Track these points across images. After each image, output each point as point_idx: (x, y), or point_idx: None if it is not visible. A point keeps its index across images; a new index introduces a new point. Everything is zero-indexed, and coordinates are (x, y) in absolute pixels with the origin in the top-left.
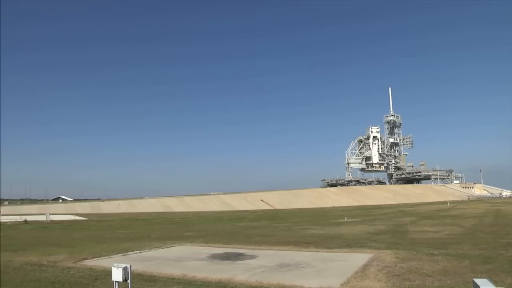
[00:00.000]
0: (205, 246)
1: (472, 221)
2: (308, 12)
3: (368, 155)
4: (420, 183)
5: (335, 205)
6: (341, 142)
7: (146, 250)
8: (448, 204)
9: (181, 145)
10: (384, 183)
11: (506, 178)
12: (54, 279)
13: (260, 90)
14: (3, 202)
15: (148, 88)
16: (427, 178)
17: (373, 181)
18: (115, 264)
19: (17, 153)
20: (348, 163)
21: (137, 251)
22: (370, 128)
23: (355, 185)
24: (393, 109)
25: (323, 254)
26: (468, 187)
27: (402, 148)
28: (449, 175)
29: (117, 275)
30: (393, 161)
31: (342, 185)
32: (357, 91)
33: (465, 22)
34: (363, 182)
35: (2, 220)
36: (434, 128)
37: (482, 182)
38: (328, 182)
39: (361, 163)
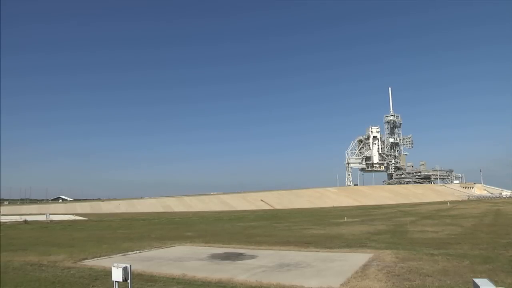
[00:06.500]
0: (205, 246)
1: (472, 221)
2: (308, 13)
3: (368, 155)
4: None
5: (335, 205)
6: (341, 142)
7: (146, 250)
8: (448, 204)
9: (182, 146)
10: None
11: (506, 178)
12: (54, 279)
13: (260, 92)
14: (3, 202)
15: (148, 90)
16: (427, 178)
17: (424, 181)
18: (115, 264)
19: (17, 153)
20: (348, 163)
21: (137, 251)
22: (370, 128)
23: (414, 183)
24: (393, 109)
25: (323, 254)
26: (468, 187)
27: (402, 148)
28: (449, 175)
29: (117, 275)
30: (393, 161)
31: (400, 183)
32: (357, 92)
33: (465, 22)
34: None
35: (2, 220)
36: (434, 128)
37: (482, 182)
38: (389, 182)
39: (361, 163)
